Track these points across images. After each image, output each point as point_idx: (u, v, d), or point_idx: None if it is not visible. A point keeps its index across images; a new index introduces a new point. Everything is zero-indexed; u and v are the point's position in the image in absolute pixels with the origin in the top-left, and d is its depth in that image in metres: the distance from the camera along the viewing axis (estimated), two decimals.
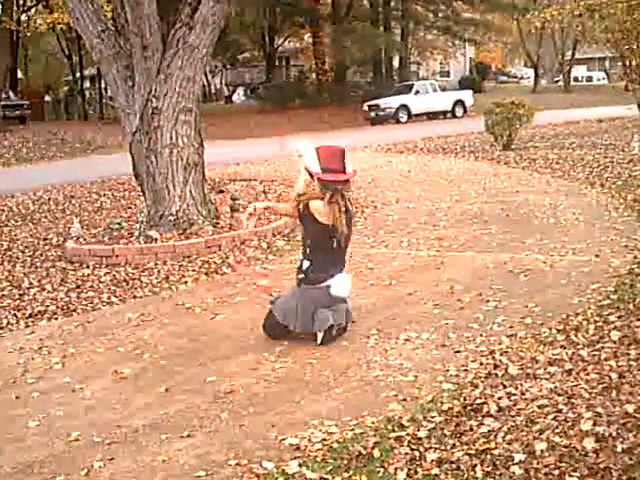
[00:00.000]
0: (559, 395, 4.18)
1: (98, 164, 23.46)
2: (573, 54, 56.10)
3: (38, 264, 9.66)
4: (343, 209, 5.48)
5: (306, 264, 5.67)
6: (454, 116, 37.40)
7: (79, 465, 4.05)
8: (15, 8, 37.55)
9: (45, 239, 11.45)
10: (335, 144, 5.90)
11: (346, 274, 5.76)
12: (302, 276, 5.69)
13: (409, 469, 3.61)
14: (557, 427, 3.79)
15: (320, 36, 44.09)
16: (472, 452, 3.66)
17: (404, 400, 4.44)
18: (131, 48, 10.09)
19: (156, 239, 9.58)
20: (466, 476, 3.49)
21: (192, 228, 9.78)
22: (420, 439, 3.87)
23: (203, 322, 6.58)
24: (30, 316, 7.32)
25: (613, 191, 11.51)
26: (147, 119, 9.94)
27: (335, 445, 3.93)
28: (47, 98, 48.93)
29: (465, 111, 37.77)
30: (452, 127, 29.30)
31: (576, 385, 4.29)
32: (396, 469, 3.61)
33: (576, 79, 61.29)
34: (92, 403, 4.94)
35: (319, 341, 5.54)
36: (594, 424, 3.74)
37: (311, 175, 5.62)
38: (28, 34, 41.95)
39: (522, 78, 70.22)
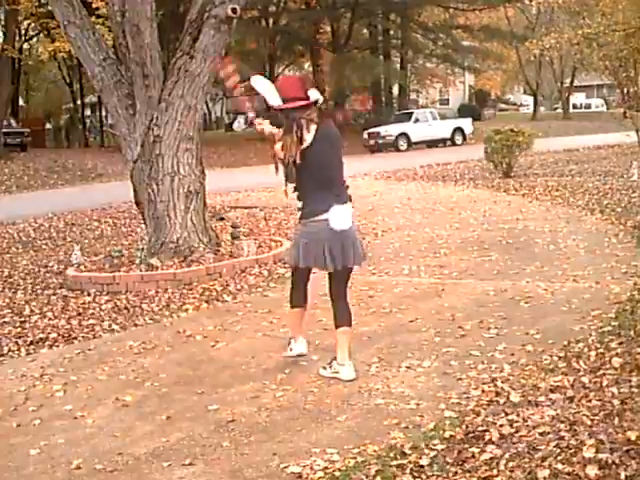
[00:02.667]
0: (561, 422, 4.17)
1: (99, 191, 23.51)
2: (572, 81, 56.43)
3: (39, 291, 9.67)
4: (296, 139, 5.22)
5: (299, 204, 5.50)
6: (453, 144, 37.55)
7: None
8: (17, 37, 37.83)
9: (46, 266, 11.46)
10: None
11: (344, 206, 5.44)
12: (299, 215, 5.55)
13: None
14: (559, 454, 3.78)
15: (320, 64, 44.36)
16: None
17: (406, 428, 4.43)
18: (132, 76, 10.16)
19: (157, 267, 9.59)
20: None
21: (193, 255, 9.79)
22: (422, 467, 3.86)
23: (204, 350, 6.58)
24: (31, 343, 7.32)
25: (613, 218, 11.53)
26: (148, 147, 9.99)
27: (337, 473, 3.92)
28: (48, 126, 49.18)
29: (464, 139, 37.93)
30: (452, 155, 29.41)
31: (578, 412, 4.28)
32: None
33: (575, 106, 61.62)
34: (94, 431, 4.94)
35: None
36: (597, 451, 3.73)
37: (269, 108, 5.43)
38: (30, 62, 42.22)
39: (521, 105, 70.53)
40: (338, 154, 5.53)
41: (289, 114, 5.26)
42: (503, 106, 67.90)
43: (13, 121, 37.70)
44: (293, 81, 5.53)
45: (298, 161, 5.25)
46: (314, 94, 5.36)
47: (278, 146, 5.33)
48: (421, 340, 6.20)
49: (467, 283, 8.13)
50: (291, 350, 5.88)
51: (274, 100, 5.29)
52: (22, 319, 8.28)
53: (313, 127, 5.32)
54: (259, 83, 5.41)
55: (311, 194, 5.37)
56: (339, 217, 5.37)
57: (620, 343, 5.50)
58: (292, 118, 5.24)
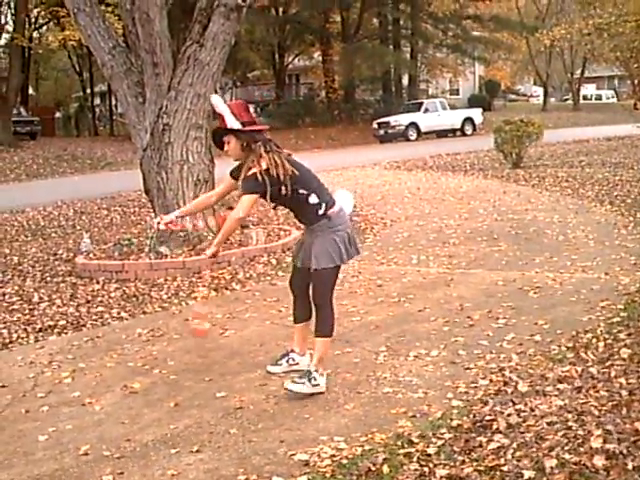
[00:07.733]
0: (569, 412, 4.17)
1: (108, 180, 23.55)
2: (582, 72, 56.21)
3: (48, 279, 9.69)
4: (281, 155, 4.98)
5: (315, 202, 5.04)
6: (463, 134, 37.50)
7: (88, 479, 4.06)
8: (27, 25, 37.85)
9: (55, 254, 11.49)
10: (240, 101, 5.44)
11: (341, 189, 5.35)
12: (321, 212, 5.06)
13: None
14: (567, 444, 3.78)
15: (330, 54, 44.27)
16: (481, 468, 3.65)
17: (414, 417, 4.43)
18: (142, 65, 10.16)
19: (166, 255, 9.61)
20: None
21: (202, 244, 9.81)
22: (429, 455, 3.86)
23: (212, 338, 6.57)
24: (40, 330, 7.34)
25: (622, 209, 11.52)
26: (158, 135, 9.99)
27: (344, 461, 3.92)
28: (58, 114, 49.19)
29: (474, 129, 37.87)
30: (461, 145, 29.37)
31: (586, 402, 4.28)
32: None
33: (585, 97, 61.30)
34: (102, 417, 4.95)
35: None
36: (604, 441, 3.72)
37: (228, 130, 5.10)
38: (40, 51, 42.23)
39: (531, 96, 70.28)
40: None
41: (254, 136, 5.04)
42: (513, 97, 67.63)
43: (23, 110, 37.76)
44: (243, 106, 5.25)
45: (296, 172, 4.99)
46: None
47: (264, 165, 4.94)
48: (429, 329, 6.20)
49: (476, 273, 8.13)
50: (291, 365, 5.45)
51: (235, 124, 5.05)
52: (31, 306, 8.30)
53: None
54: (219, 103, 5.18)
55: (318, 186, 5.09)
56: (348, 201, 5.23)
57: (629, 334, 5.50)
58: (261, 139, 5.02)
